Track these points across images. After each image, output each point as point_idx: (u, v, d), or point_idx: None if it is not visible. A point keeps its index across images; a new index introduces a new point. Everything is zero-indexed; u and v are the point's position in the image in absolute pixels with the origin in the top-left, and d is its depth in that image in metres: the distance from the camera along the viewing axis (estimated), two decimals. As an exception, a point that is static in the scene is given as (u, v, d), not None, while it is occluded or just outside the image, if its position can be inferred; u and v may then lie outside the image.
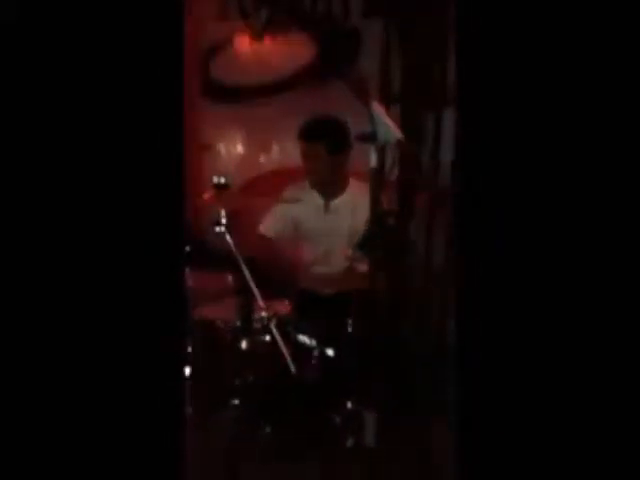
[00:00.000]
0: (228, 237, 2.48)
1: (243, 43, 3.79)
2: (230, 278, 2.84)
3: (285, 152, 3.78)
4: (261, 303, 2.48)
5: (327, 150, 2.77)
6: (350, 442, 2.47)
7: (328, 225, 2.92)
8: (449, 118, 3.23)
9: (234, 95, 3.82)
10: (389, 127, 2.09)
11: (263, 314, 2.46)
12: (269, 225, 2.94)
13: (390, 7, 3.38)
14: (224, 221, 2.49)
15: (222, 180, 2.48)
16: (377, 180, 2.09)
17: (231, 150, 3.89)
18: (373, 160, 2.11)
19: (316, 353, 2.57)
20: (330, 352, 2.58)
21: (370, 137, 2.07)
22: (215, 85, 3.85)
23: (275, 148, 3.83)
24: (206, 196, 2.57)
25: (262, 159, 3.86)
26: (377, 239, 2.27)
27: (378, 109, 2.12)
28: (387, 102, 3.29)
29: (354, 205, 2.85)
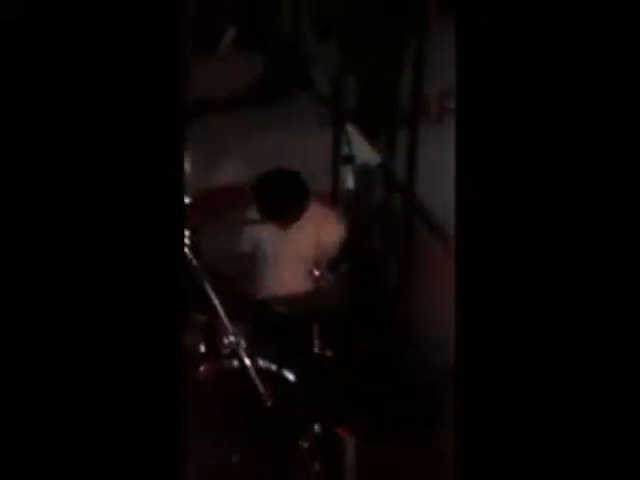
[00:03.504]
0: (193, 257, 2.40)
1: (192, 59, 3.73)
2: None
3: (232, 170, 3.73)
4: (229, 326, 2.40)
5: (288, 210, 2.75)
6: (317, 466, 2.43)
7: (286, 246, 2.89)
8: (403, 137, 3.30)
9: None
10: (366, 149, 2.09)
11: (232, 338, 2.39)
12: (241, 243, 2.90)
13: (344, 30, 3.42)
14: (187, 242, 2.39)
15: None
16: (354, 202, 2.08)
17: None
18: (350, 182, 2.10)
19: (280, 377, 2.52)
20: (294, 375, 2.54)
21: (348, 159, 2.06)
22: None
23: (222, 165, 3.77)
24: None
25: (209, 177, 3.78)
26: (350, 260, 2.26)
27: (353, 130, 2.12)
28: (340, 123, 3.32)
29: (314, 226, 2.84)
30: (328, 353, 2.56)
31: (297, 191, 2.71)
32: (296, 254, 2.86)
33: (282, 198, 2.71)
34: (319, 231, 2.81)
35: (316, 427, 2.44)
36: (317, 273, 2.55)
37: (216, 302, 2.38)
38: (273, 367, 2.51)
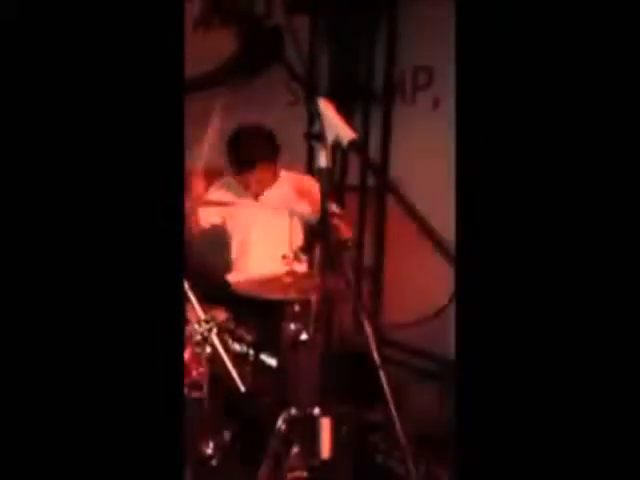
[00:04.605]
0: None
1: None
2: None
3: (203, 152, 3.63)
4: (200, 312, 2.33)
5: (261, 161, 2.69)
6: (296, 448, 2.39)
7: (257, 219, 2.83)
8: (376, 115, 3.23)
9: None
10: (339, 126, 2.01)
11: (203, 324, 2.32)
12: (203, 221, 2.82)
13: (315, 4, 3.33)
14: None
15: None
16: (326, 180, 2.01)
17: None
18: (322, 160, 2.03)
19: (254, 360, 2.48)
20: (270, 358, 2.50)
21: (318, 136, 1.98)
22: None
23: (193, 147, 3.67)
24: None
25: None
26: (321, 240, 2.19)
27: (326, 107, 2.04)
28: (313, 100, 3.23)
29: (284, 198, 2.78)
30: (303, 337, 2.50)
31: (267, 143, 2.71)
32: (270, 234, 2.80)
33: (253, 147, 2.70)
34: (285, 203, 2.76)
35: (292, 410, 2.40)
36: (290, 255, 2.49)
37: (186, 287, 2.32)
38: (251, 352, 2.45)
